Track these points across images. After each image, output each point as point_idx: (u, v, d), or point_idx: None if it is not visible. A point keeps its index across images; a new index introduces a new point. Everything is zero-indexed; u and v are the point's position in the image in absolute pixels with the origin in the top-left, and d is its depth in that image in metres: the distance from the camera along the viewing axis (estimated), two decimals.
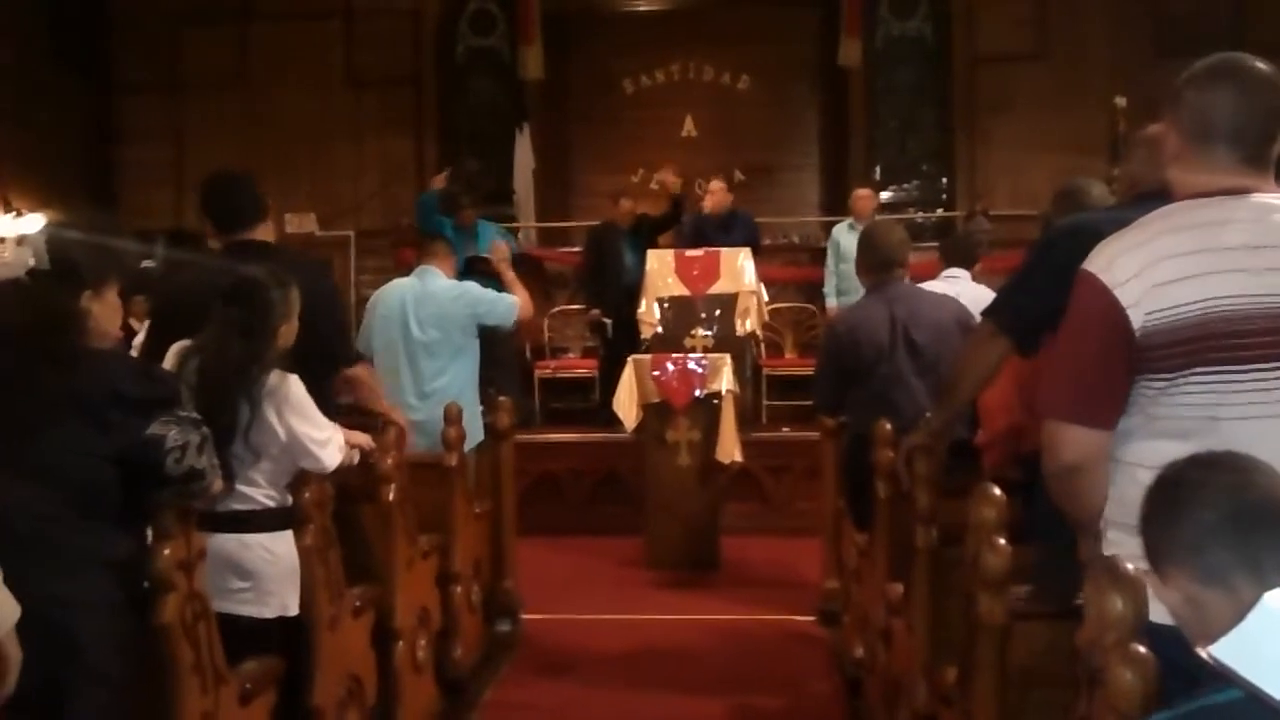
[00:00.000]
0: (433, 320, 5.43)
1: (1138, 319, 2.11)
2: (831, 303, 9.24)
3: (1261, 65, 2.20)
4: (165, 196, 11.55)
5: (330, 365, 3.86)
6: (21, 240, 2.61)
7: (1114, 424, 2.19)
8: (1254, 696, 1.46)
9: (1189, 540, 1.64)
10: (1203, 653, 1.53)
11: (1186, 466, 1.72)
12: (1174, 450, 1.80)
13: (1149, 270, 2.11)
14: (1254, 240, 2.11)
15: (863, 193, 9.47)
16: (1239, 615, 1.55)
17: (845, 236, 9.12)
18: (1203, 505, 1.64)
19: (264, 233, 3.97)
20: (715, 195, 8.85)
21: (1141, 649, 1.66)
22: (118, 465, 2.54)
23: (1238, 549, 1.60)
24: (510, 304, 5.61)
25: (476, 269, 8.00)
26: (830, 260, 9.34)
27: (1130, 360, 2.14)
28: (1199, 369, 2.09)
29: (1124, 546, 1.98)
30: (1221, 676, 1.51)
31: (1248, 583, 1.58)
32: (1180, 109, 2.23)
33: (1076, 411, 2.20)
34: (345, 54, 11.69)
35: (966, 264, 5.46)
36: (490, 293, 5.62)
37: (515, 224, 10.52)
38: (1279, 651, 1.47)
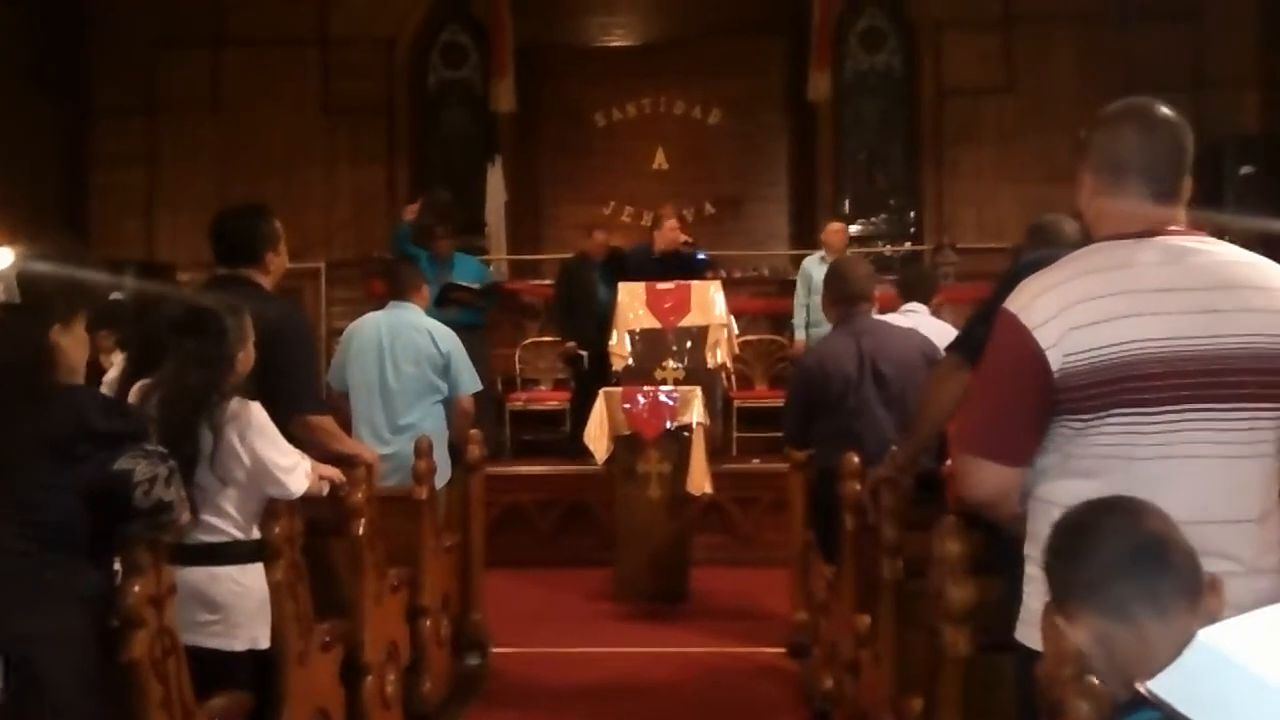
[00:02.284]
0: (408, 356, 5.39)
1: (1056, 360, 2.13)
2: (800, 335, 9.24)
3: (1165, 108, 2.25)
4: (137, 226, 11.49)
5: (294, 405, 3.84)
6: None
7: (1028, 461, 2.23)
8: (1170, 718, 1.52)
9: (1091, 579, 1.74)
10: (1140, 687, 1.57)
11: (1084, 512, 1.82)
12: (1088, 489, 1.86)
13: (1067, 312, 2.14)
14: (1169, 283, 2.14)
15: (835, 227, 9.48)
16: (1143, 646, 1.67)
17: (817, 269, 9.08)
18: (1100, 546, 1.74)
19: (255, 272, 3.99)
20: (671, 233, 8.77)
21: (1096, 681, 1.69)
22: (86, 499, 2.54)
23: (1136, 583, 1.70)
24: (474, 381, 5.52)
25: (452, 298, 8.00)
26: (800, 292, 9.29)
27: (1047, 400, 2.16)
28: (1116, 410, 2.12)
29: (1042, 583, 2.00)
30: (1138, 701, 1.57)
31: (1148, 614, 1.69)
32: (1090, 152, 2.28)
33: (990, 448, 2.24)
34: (320, 81, 11.67)
35: (924, 298, 5.55)
36: (467, 363, 5.50)
37: (487, 256, 10.52)
38: (1213, 686, 1.52)
